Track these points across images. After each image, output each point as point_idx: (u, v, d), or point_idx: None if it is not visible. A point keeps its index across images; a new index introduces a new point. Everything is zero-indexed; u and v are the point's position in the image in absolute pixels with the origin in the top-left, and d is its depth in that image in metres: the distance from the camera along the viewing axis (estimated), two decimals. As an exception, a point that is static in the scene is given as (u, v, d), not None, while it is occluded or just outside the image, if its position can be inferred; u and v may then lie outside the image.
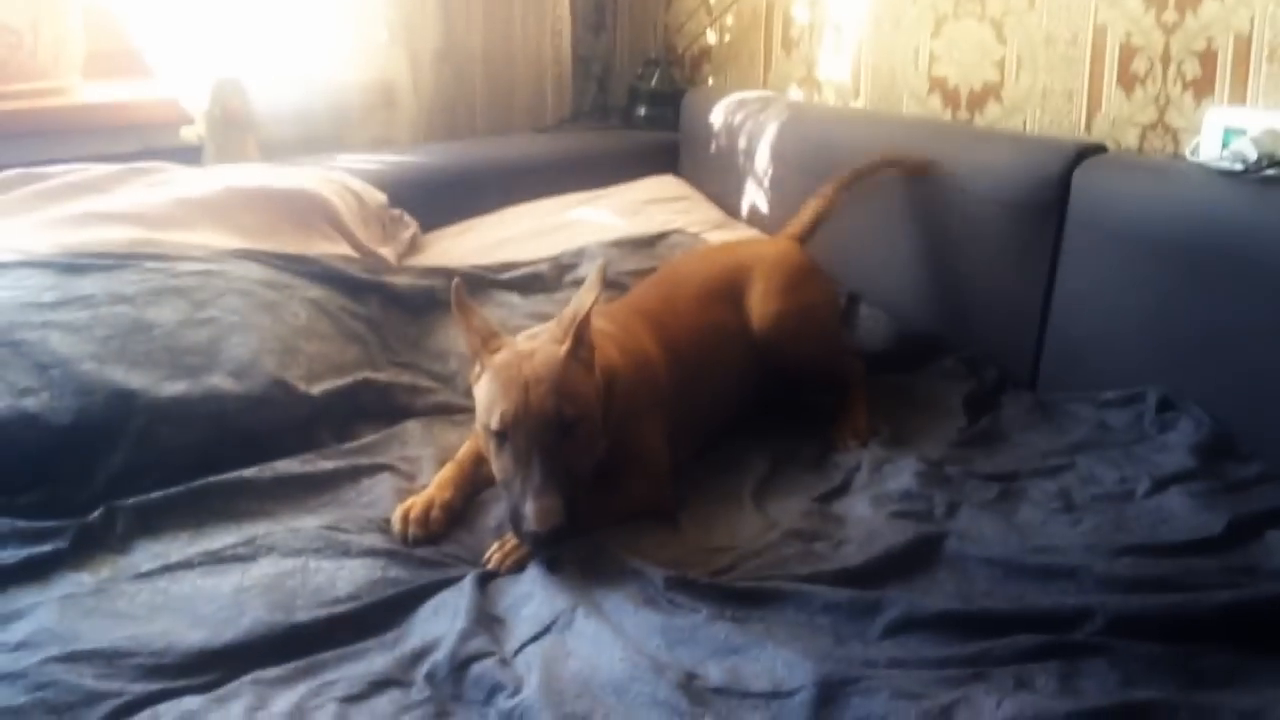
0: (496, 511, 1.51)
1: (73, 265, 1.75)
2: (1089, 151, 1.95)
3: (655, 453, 1.57)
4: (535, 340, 1.49)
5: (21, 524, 1.40)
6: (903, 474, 1.60)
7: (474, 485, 1.56)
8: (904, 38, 2.37)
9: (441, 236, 2.36)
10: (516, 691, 1.18)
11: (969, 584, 1.37)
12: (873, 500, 1.54)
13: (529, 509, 1.35)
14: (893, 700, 1.14)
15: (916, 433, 1.75)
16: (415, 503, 1.49)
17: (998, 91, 2.22)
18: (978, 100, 2.26)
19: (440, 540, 1.47)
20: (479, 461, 1.56)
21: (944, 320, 2.08)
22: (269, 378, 1.68)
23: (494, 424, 1.40)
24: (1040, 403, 1.88)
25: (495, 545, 1.43)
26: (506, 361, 1.44)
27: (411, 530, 1.46)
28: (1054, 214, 1.93)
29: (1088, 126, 2.09)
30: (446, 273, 2.04)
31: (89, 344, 1.61)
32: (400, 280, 2.02)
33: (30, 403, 1.50)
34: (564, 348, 1.44)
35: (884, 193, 2.15)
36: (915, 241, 2.12)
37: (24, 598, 1.30)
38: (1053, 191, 1.93)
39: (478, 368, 1.48)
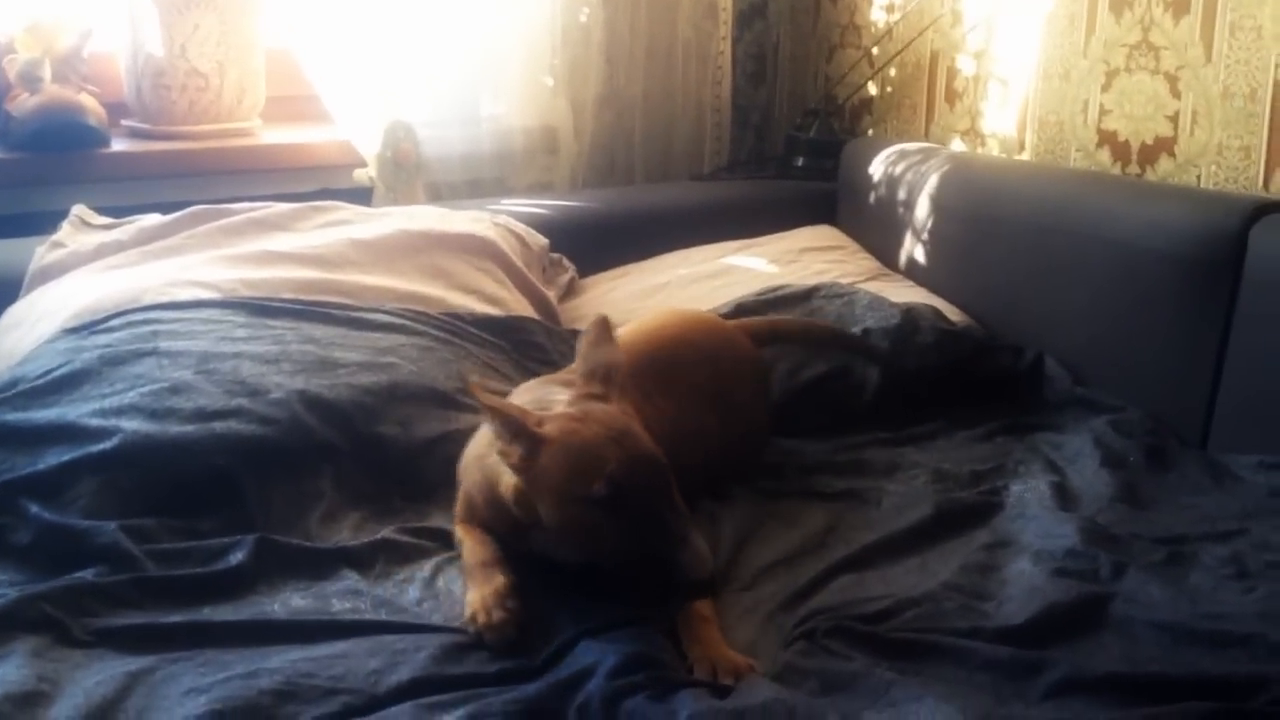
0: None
1: (264, 307, 1.83)
2: (1267, 209, 1.89)
3: None
4: (568, 406, 1.39)
5: (211, 541, 1.45)
6: (1067, 531, 1.56)
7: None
8: (1073, 90, 2.34)
9: (598, 281, 2.39)
10: (669, 725, 1.17)
11: (1136, 648, 1.32)
12: (1034, 556, 1.50)
13: (685, 557, 1.25)
14: (1055, 763, 1.11)
15: (1082, 491, 1.70)
16: (479, 609, 1.34)
17: (1170, 146, 2.18)
18: (1149, 155, 2.21)
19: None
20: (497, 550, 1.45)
21: (1111, 377, 2.03)
22: (432, 434, 1.69)
23: (598, 490, 1.28)
24: (1210, 465, 1.81)
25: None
26: (569, 428, 1.33)
27: (494, 639, 1.32)
28: (1229, 272, 1.88)
29: (1266, 184, 2.03)
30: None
31: (277, 375, 1.67)
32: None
33: (217, 425, 1.56)
34: (617, 404, 1.37)
35: (1051, 248, 2.12)
36: (1082, 297, 2.08)
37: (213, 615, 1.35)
38: (1228, 248, 1.88)
39: (523, 450, 1.33)
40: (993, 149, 2.54)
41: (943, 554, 1.53)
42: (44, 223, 2.07)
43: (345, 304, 1.89)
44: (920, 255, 2.42)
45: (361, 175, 2.44)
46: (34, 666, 1.20)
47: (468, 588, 1.40)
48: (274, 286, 1.89)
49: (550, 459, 1.32)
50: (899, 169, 2.50)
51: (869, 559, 1.52)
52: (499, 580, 1.38)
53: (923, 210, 2.41)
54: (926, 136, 2.69)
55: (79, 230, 2.04)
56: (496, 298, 2.10)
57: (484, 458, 1.45)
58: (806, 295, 2.19)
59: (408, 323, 1.90)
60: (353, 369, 1.73)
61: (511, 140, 2.63)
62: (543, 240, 2.31)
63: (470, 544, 1.47)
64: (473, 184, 2.60)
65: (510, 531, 1.44)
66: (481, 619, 1.33)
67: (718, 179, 2.85)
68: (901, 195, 2.47)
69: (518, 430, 1.33)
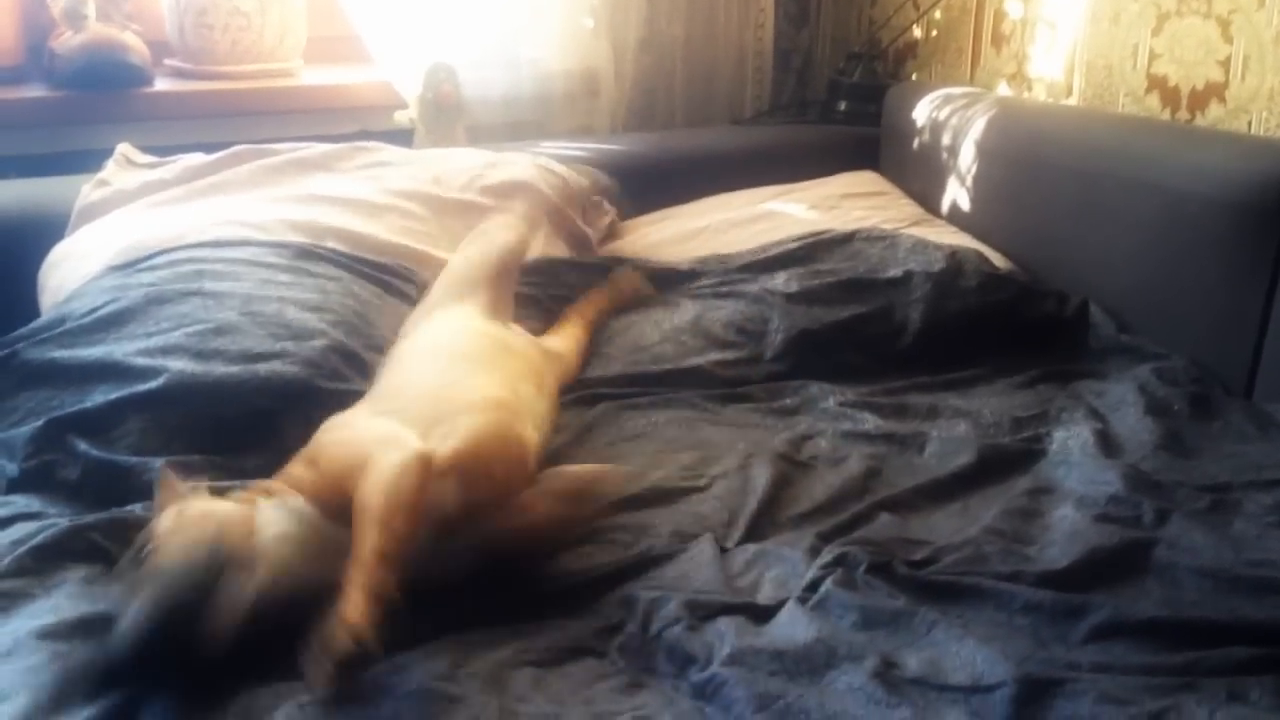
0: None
1: (308, 251, 1.83)
2: (1320, 154, 1.87)
3: None
4: None
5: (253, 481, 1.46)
6: (1110, 478, 1.55)
7: None
8: (1123, 34, 2.30)
9: (639, 224, 2.38)
10: (708, 664, 1.18)
11: (1178, 593, 1.32)
12: (1078, 502, 1.49)
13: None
14: (1099, 704, 1.11)
15: (1126, 439, 1.69)
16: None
17: (1221, 92, 2.14)
18: (1199, 100, 2.18)
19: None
20: None
21: (1157, 324, 2.01)
22: None
23: None
24: (1255, 413, 1.80)
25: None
26: None
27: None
28: (1278, 219, 1.85)
29: (1319, 129, 2.00)
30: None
31: (318, 322, 1.68)
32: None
33: (261, 368, 1.57)
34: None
35: (1098, 194, 2.10)
36: (1129, 244, 2.06)
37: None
38: (1277, 195, 1.85)
39: None
40: (1039, 94, 2.50)
41: (985, 500, 1.53)
42: (87, 161, 2.07)
43: (383, 264, 1.90)
44: (964, 201, 2.39)
45: (402, 117, 2.44)
46: (86, 595, 1.23)
47: None
48: (317, 232, 1.89)
49: None
50: (944, 114, 2.47)
51: (911, 503, 1.52)
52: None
53: (967, 155, 2.38)
54: (972, 81, 2.65)
55: (124, 168, 2.04)
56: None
57: None
58: (847, 239, 2.19)
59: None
60: (385, 333, 1.74)
61: (552, 83, 2.62)
62: (584, 182, 2.30)
63: None
64: (513, 126, 2.58)
65: None
66: None
67: (759, 123, 2.83)
68: (946, 140, 2.44)
69: None
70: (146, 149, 2.12)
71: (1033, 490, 1.55)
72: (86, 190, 1.98)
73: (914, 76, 2.82)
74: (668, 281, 2.10)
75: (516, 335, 1.72)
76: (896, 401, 1.81)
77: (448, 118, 2.45)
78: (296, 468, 1.31)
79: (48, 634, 1.16)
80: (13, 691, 1.07)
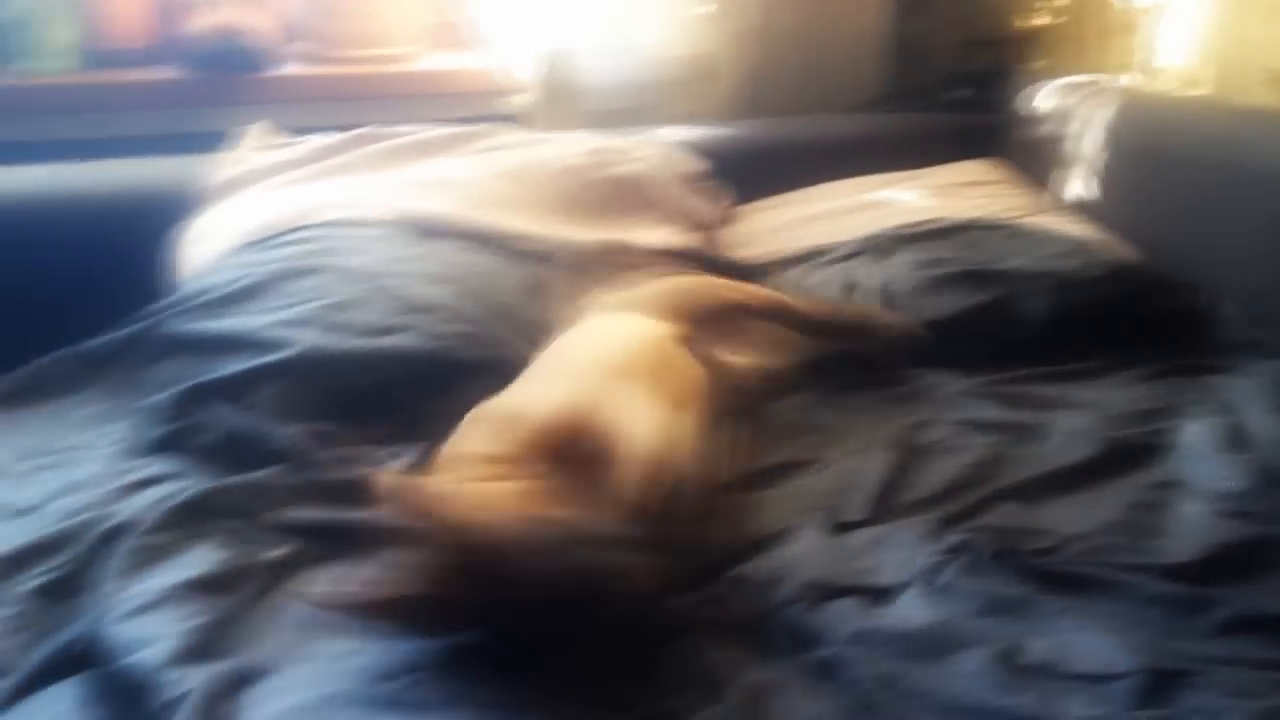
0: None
1: (431, 229, 1.88)
2: None
3: None
4: None
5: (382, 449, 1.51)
6: (1239, 473, 1.52)
7: None
8: (1254, 24, 2.24)
9: (753, 210, 2.39)
10: (829, 643, 1.18)
11: (1305, 589, 1.30)
12: (1205, 497, 1.47)
13: None
14: (1226, 697, 1.09)
15: (1256, 434, 1.65)
16: None
17: (1352, 82, 2.08)
18: (1329, 91, 2.12)
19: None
20: None
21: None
22: None
23: None
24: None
25: None
26: None
27: None
28: None
29: None
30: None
31: (443, 296, 1.72)
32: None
33: (386, 341, 1.62)
34: None
35: (1226, 186, 2.05)
36: (1259, 236, 2.00)
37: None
38: None
39: None
40: (1165, 83, 2.45)
41: (1108, 492, 1.50)
42: (214, 142, 2.13)
43: (507, 236, 1.93)
44: (1087, 191, 2.35)
45: (517, 102, 2.47)
46: (226, 551, 1.29)
47: None
48: (440, 211, 1.93)
49: None
50: (1066, 102, 2.43)
51: (1033, 493, 1.50)
52: None
53: (1090, 145, 2.34)
54: (1095, 69, 2.60)
55: (256, 148, 2.11)
56: (652, 228, 2.11)
57: None
58: (965, 228, 2.17)
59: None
60: (510, 304, 1.78)
61: (667, 68, 2.62)
62: (698, 168, 2.31)
63: None
64: (628, 112, 2.59)
65: None
66: None
67: (876, 110, 2.81)
68: (1068, 130, 2.40)
69: None
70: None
71: (1158, 484, 1.52)
72: (220, 169, 2.04)
73: (1035, 64, 2.77)
74: (781, 269, 2.10)
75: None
76: (1017, 391, 1.78)
77: (563, 103, 2.47)
78: (484, 465, 1.28)
79: (191, 585, 1.23)
80: (158, 638, 1.14)
